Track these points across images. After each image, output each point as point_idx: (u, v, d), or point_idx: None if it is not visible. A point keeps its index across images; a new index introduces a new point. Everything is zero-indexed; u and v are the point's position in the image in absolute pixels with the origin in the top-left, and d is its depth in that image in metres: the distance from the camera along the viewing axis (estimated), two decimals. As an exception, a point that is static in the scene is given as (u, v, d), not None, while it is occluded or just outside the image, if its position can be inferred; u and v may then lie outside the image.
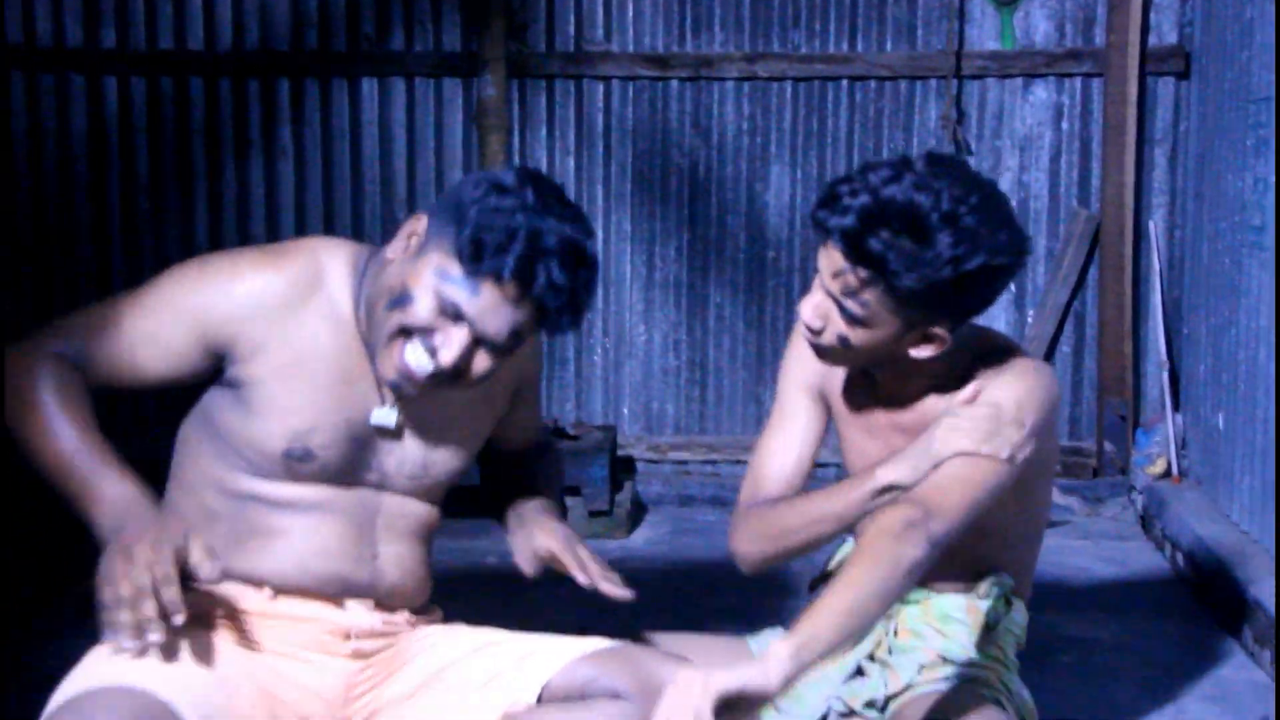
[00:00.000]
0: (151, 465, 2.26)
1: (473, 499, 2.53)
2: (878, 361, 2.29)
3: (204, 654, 2.06)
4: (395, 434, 2.27)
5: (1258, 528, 3.71)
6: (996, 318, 5.12)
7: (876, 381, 2.39)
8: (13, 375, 2.07)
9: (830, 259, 2.16)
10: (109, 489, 2.00)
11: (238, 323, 2.14)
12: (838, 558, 2.63)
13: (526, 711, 2.18)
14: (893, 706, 2.36)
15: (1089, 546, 4.36)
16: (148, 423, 4.34)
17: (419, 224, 2.15)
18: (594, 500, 4.49)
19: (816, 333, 2.24)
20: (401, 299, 2.11)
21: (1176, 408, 4.77)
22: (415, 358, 2.12)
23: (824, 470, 2.65)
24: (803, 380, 2.50)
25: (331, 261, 2.22)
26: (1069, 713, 2.82)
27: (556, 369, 5.22)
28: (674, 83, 5.15)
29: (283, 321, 2.16)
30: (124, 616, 1.88)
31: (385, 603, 2.30)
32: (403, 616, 2.32)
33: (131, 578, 1.88)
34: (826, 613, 2.01)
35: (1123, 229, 4.91)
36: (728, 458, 5.14)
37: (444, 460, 2.32)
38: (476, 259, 2.06)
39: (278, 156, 5.15)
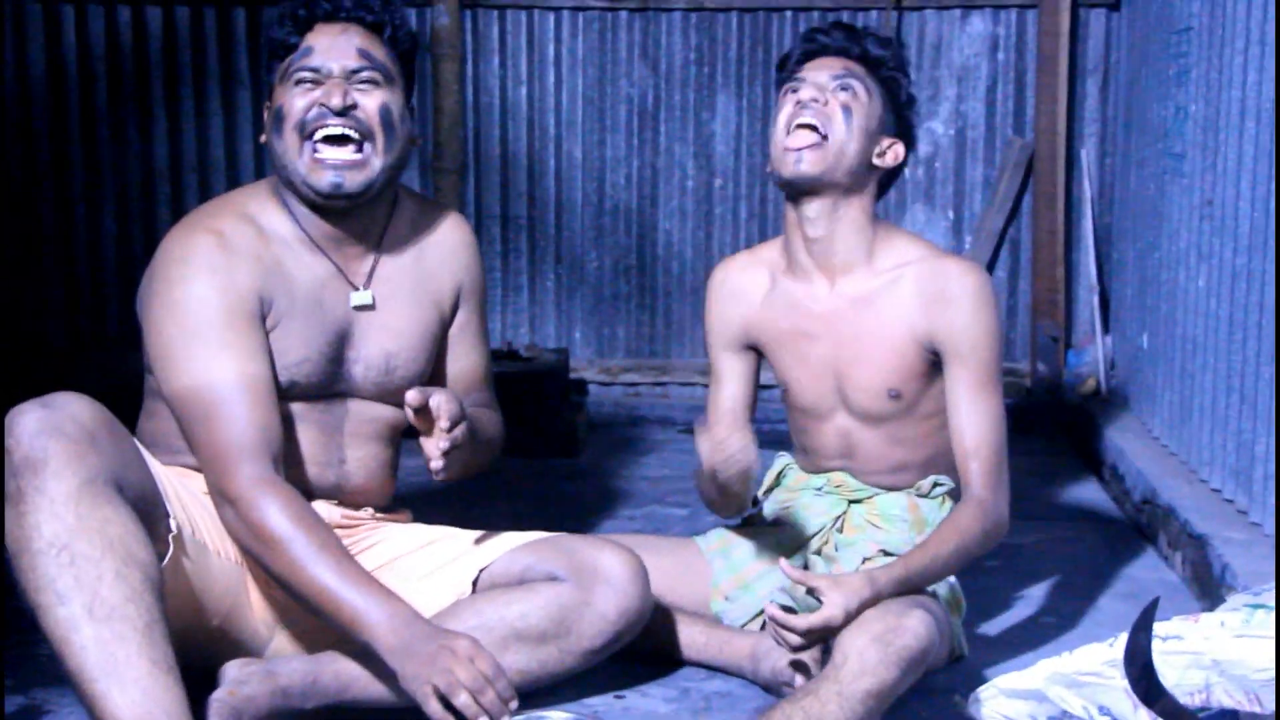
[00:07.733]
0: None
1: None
2: (849, 169, 2.56)
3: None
4: (368, 317, 2.36)
5: (1175, 441, 3.87)
6: (935, 242, 5.27)
7: (809, 272, 2.62)
8: (241, 522, 2.17)
9: (825, 65, 2.68)
10: (381, 613, 2.11)
11: (256, 286, 2.27)
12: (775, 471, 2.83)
13: (471, 597, 2.31)
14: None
15: (1021, 463, 4.48)
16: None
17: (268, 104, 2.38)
18: (547, 419, 4.63)
19: (810, 126, 2.57)
20: (282, 117, 2.31)
21: (1106, 330, 4.92)
22: (322, 128, 2.29)
23: (771, 390, 2.86)
24: (725, 338, 2.72)
25: (247, 198, 2.38)
26: (992, 607, 3.01)
27: (510, 295, 5.36)
28: (623, 13, 5.26)
29: (262, 267, 2.28)
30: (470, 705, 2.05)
31: (349, 501, 2.42)
32: (367, 513, 2.44)
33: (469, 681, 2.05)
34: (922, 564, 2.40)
35: (1055, 157, 5.04)
36: (676, 380, 5.28)
37: (405, 361, 2.41)
38: (289, 28, 2.32)
39: (236, 85, 5.22)
